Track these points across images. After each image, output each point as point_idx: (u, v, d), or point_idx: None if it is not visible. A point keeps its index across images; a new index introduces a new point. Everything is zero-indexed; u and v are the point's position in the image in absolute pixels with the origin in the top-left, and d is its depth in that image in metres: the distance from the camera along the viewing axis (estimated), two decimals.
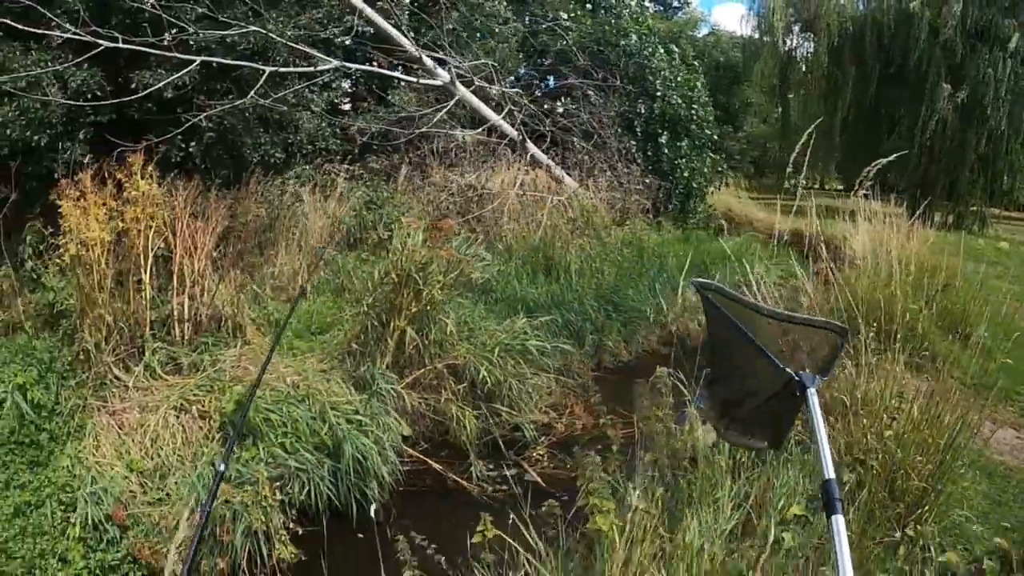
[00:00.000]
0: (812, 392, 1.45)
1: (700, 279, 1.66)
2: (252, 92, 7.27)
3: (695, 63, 15.00)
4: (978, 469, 5.92)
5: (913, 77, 21.64)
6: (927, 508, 4.21)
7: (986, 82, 20.96)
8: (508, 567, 3.22)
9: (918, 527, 3.97)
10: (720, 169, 14.71)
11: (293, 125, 8.58)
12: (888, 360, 6.03)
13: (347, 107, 13.82)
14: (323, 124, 9.05)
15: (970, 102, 21.46)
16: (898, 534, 3.77)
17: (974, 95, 21.35)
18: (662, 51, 13.29)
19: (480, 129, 10.78)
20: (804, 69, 24.20)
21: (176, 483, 4.03)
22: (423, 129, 10.10)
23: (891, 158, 8.03)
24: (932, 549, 4.09)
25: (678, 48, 14.33)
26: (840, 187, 18.06)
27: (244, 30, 7.31)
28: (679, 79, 13.21)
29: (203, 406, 4.50)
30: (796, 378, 1.48)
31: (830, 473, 1.32)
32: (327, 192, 9.19)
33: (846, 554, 1.17)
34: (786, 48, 23.82)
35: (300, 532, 4.18)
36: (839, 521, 1.22)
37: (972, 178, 23.61)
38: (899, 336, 6.54)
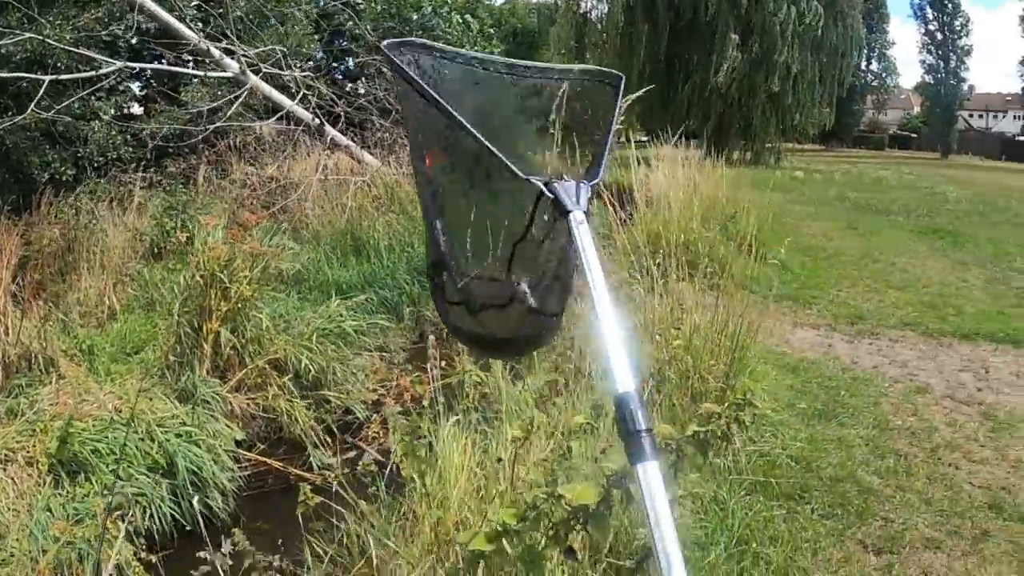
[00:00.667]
0: (576, 215, 0.94)
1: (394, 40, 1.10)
2: (32, 105, 6.92)
3: (491, 31, 15.63)
4: (781, 366, 6.90)
5: (705, 29, 23.77)
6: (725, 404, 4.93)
7: (771, 27, 23.40)
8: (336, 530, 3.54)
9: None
10: None
11: (82, 137, 8.27)
12: (688, 284, 6.85)
13: (138, 111, 13.25)
14: (114, 132, 8.74)
15: (758, 47, 23.91)
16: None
17: (761, 40, 23.81)
18: (458, 19, 13.75)
19: (276, 117, 10.77)
20: (600, 29, 25.84)
21: (17, 539, 3.95)
22: (218, 124, 9.98)
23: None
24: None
25: (475, 18, 14.87)
26: (643, 138, 19.52)
27: (18, 37, 6.94)
28: (475, 48, 13.76)
29: (28, 452, 4.41)
30: (548, 194, 0.96)
31: (626, 386, 0.84)
32: (124, 204, 8.94)
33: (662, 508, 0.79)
34: (582, 11, 25.34)
35: (152, 560, 4.15)
36: (647, 470, 0.80)
37: (765, 117, 26.39)
38: (693, 262, 7.38)
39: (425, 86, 1.01)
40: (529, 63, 1.17)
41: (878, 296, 9.44)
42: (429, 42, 1.14)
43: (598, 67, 1.27)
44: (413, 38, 1.19)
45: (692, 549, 3.79)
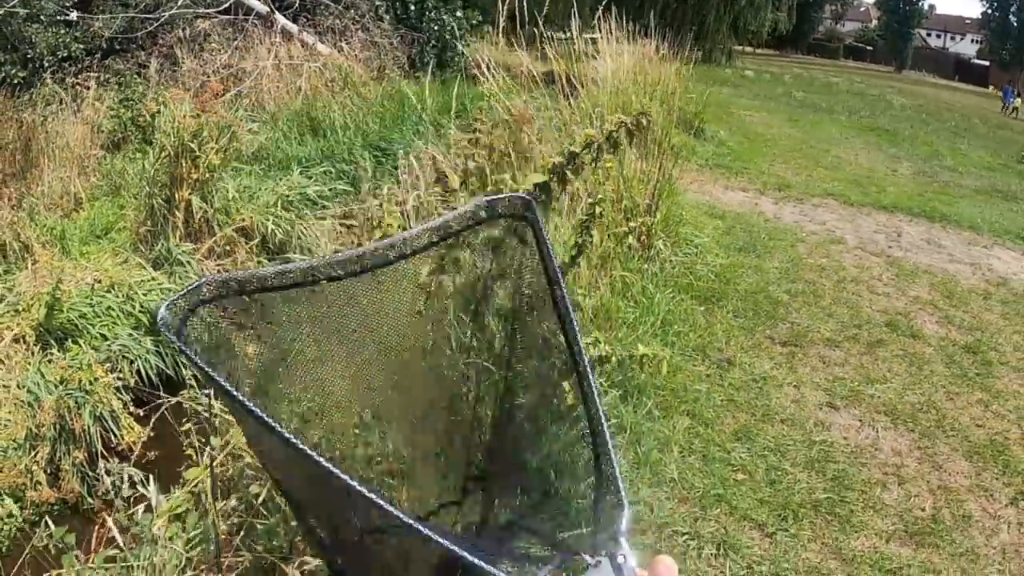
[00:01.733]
0: None
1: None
2: None
3: None
4: (710, 214, 7.55)
5: None
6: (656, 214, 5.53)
7: None
8: None
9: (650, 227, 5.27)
10: (475, 22, 15.33)
11: (28, 39, 8.30)
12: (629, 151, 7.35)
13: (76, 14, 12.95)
14: (61, 32, 8.75)
15: None
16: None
17: None
18: None
19: (224, 5, 10.70)
20: None
21: (10, 412, 4.20)
22: (172, 11, 9.94)
23: None
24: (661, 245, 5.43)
25: None
26: (595, 35, 19.59)
27: None
28: None
29: (14, 330, 4.67)
30: None
31: None
32: (79, 102, 9.18)
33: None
34: None
35: (142, 414, 4.29)
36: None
37: (718, 16, 26.64)
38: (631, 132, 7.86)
39: (246, 403, 0.63)
40: (384, 244, 0.82)
41: (807, 172, 10.23)
42: (232, 275, 0.73)
43: (488, 201, 0.87)
44: (205, 278, 0.70)
45: (622, 328, 4.43)
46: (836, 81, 28.35)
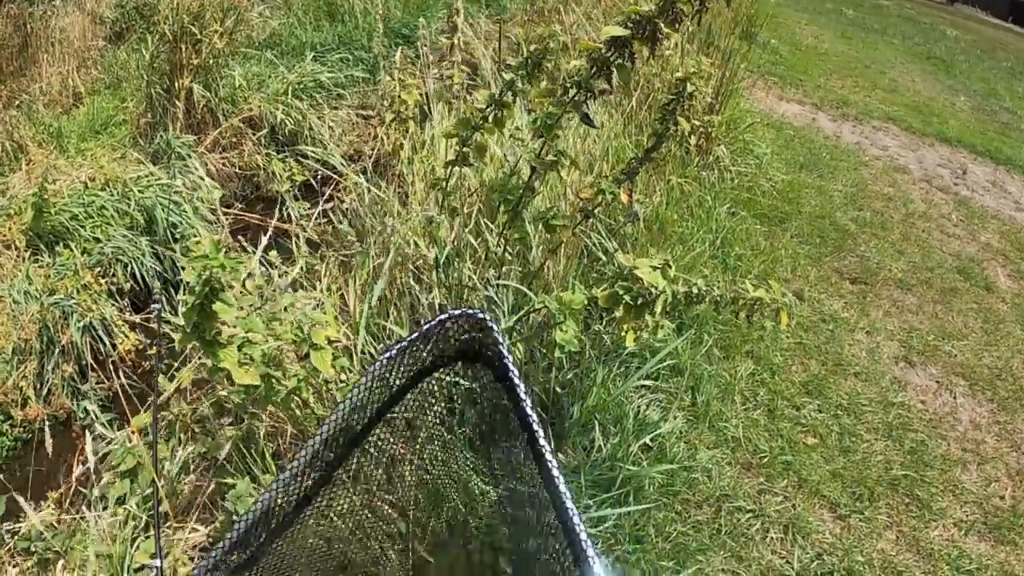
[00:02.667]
0: None
1: None
2: None
3: None
4: (766, 124, 6.72)
5: None
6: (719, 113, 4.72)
7: None
8: None
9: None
10: None
11: None
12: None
13: None
14: None
15: None
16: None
17: None
18: None
19: None
20: None
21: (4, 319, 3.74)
22: None
23: None
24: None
25: None
26: None
27: None
28: None
29: (5, 235, 4.21)
30: None
31: None
32: None
33: None
34: None
35: (138, 320, 4.11)
36: None
37: None
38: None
39: None
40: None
41: (865, 93, 9.32)
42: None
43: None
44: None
45: (677, 247, 3.71)
46: (886, 4, 26.64)
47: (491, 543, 1.17)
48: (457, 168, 2.74)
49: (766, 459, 2.86)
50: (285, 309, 2.36)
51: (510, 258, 2.99)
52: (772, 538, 2.62)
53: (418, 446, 1.23)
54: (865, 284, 4.27)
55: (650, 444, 2.74)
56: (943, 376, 3.77)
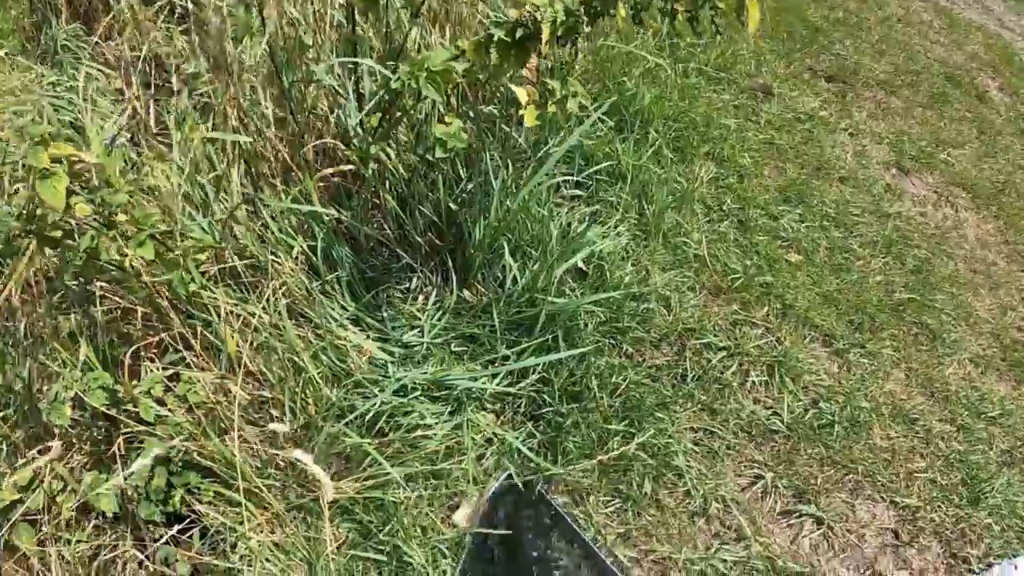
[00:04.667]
0: None
1: None
2: None
3: None
4: None
5: None
6: None
7: None
8: None
9: None
10: None
11: None
12: None
13: None
14: None
15: None
16: None
17: None
18: None
19: None
20: None
21: None
22: None
23: None
24: None
25: None
26: None
27: None
28: None
29: None
30: None
31: None
32: None
33: None
34: None
35: None
36: None
37: None
38: None
39: None
40: None
41: None
42: None
43: None
44: None
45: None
46: None
47: None
48: None
49: (739, 281, 2.21)
50: None
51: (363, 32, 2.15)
52: (753, 383, 1.99)
53: None
54: (844, 83, 3.58)
55: (584, 268, 2.05)
56: (942, 186, 3.17)
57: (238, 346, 1.52)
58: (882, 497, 1.99)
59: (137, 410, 1.45)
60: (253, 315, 1.55)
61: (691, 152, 2.60)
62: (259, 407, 1.65)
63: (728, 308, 2.13)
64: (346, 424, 1.67)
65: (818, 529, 1.87)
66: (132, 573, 1.47)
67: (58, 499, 1.41)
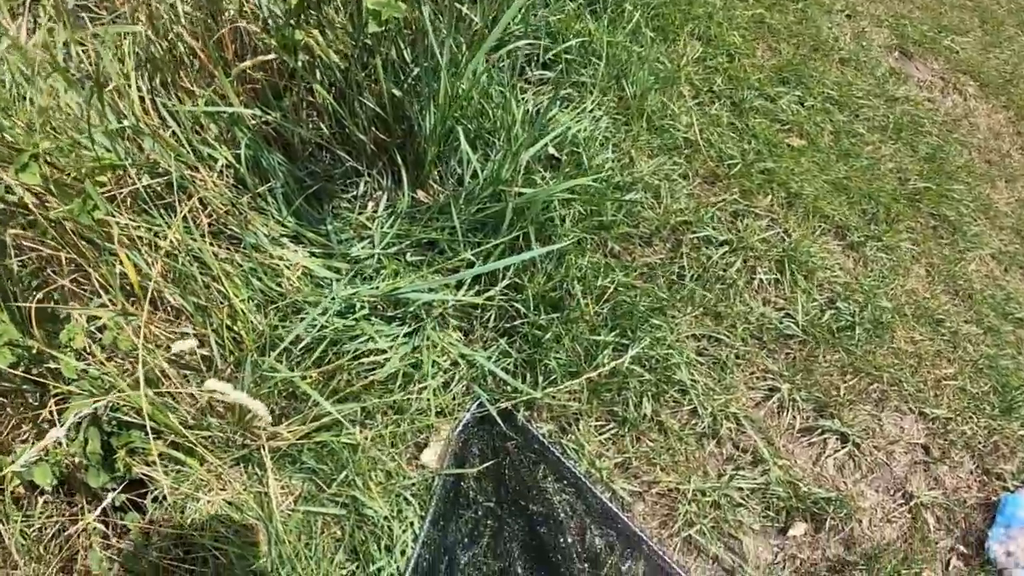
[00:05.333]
0: None
1: None
2: None
3: None
4: None
5: None
6: None
7: None
8: None
9: None
10: None
11: None
12: None
13: None
14: None
15: None
16: None
17: None
18: None
19: None
20: None
21: None
22: None
23: None
24: None
25: None
26: None
27: None
28: None
29: None
30: None
31: None
32: None
33: None
34: None
35: None
36: None
37: None
38: None
39: None
40: None
41: None
42: None
43: None
44: None
45: None
46: None
47: None
48: None
49: (737, 168, 1.92)
50: None
51: None
52: (761, 281, 1.72)
53: None
54: None
55: (557, 154, 1.75)
56: (948, 73, 2.90)
57: (155, 278, 1.22)
58: (910, 408, 1.75)
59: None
60: (164, 238, 1.24)
61: (673, 31, 2.27)
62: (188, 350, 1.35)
63: (727, 197, 1.84)
64: (280, 355, 1.38)
65: (843, 447, 1.62)
66: (96, 546, 1.22)
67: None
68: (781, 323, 1.67)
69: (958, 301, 2.02)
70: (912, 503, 1.62)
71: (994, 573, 1.62)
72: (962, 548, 1.65)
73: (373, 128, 1.77)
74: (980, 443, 1.78)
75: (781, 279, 1.74)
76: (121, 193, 1.32)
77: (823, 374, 1.66)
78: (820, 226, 1.92)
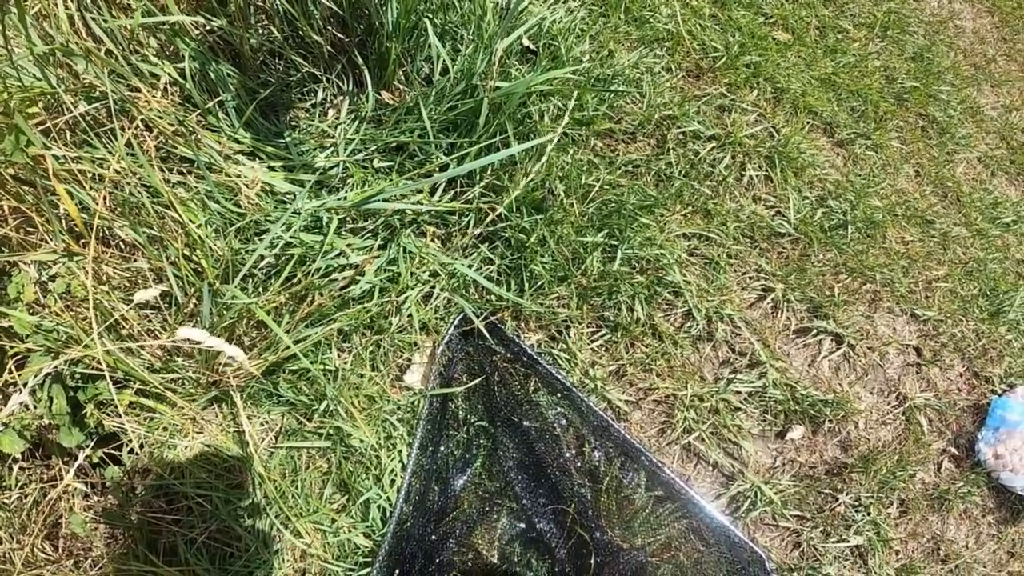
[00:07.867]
0: None
1: None
2: None
3: None
4: None
5: None
6: None
7: None
8: None
9: None
10: None
11: None
12: None
13: None
14: None
15: None
16: None
17: None
18: None
19: None
20: None
21: None
22: None
23: None
24: None
25: None
26: None
27: None
28: None
29: None
30: None
31: None
32: None
33: None
34: None
35: None
36: None
37: None
38: None
39: None
40: None
41: None
42: None
43: None
44: None
45: None
46: None
47: None
48: None
49: (722, 61, 1.89)
50: None
51: None
52: (751, 178, 1.71)
53: None
54: None
55: (532, 47, 1.71)
56: None
57: (101, 212, 1.15)
58: (902, 310, 1.78)
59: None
60: (107, 168, 1.17)
61: None
62: (144, 284, 1.29)
63: (712, 90, 1.82)
64: (244, 280, 1.33)
65: (838, 348, 1.64)
66: (77, 508, 1.18)
67: None
68: (773, 221, 1.67)
69: (947, 203, 2.05)
70: (906, 405, 1.66)
71: (984, 475, 1.68)
72: (953, 450, 1.70)
73: (329, 28, 1.70)
74: (970, 346, 1.82)
75: (772, 175, 1.73)
76: (57, 124, 1.25)
77: (816, 274, 1.67)
78: (809, 122, 1.92)
